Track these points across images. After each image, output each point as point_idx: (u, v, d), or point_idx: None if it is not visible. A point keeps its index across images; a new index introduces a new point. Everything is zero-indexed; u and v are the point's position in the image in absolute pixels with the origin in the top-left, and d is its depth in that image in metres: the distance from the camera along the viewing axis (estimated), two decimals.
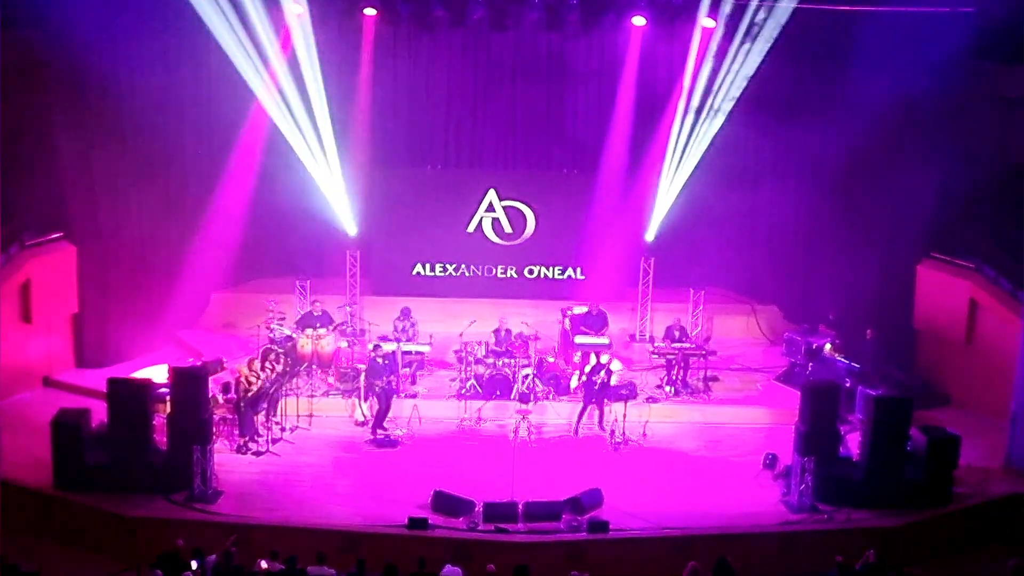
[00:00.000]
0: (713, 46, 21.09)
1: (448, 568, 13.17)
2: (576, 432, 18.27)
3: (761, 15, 20.17)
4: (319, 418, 18.45)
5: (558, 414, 18.73)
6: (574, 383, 18.89)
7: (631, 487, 16.42)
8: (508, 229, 22.57)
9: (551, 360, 20.07)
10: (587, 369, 18.36)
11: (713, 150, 21.77)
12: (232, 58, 19.89)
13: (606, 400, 18.28)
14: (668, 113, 22.08)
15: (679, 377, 19.70)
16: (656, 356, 20.04)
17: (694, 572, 12.83)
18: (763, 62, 20.73)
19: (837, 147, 20.85)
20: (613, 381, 18.36)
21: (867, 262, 20.78)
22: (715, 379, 20.05)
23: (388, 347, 18.95)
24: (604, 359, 18.34)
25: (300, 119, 20.99)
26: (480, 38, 22.18)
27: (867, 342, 19.65)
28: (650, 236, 22.30)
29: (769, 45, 20.34)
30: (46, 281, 19.08)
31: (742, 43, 20.75)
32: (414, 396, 19.01)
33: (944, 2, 18.81)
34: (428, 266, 22.73)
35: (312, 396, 18.73)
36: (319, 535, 14.65)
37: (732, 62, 21.40)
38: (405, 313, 20.20)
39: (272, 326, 19.80)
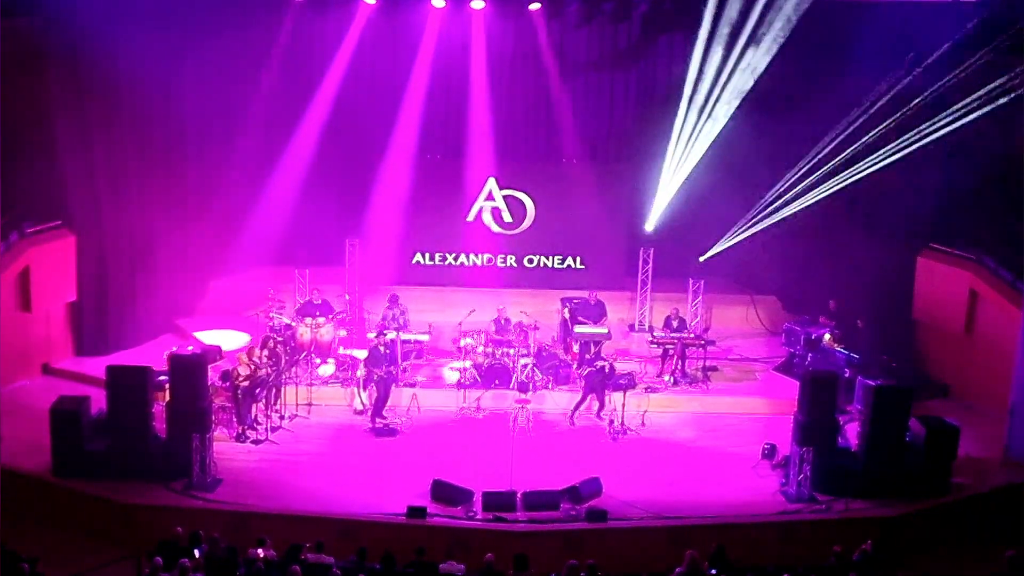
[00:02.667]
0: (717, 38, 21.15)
1: (450, 563, 13.15)
2: (572, 422, 18.29)
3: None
4: (318, 407, 18.47)
5: (557, 403, 18.76)
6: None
7: (629, 476, 16.43)
8: (508, 218, 22.58)
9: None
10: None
11: (714, 142, 21.76)
12: (232, 46, 19.90)
13: (606, 390, 18.30)
14: (669, 104, 22.09)
15: (678, 367, 19.73)
16: (655, 346, 20.04)
17: (692, 561, 12.83)
18: (764, 56, 20.71)
19: (837, 137, 20.83)
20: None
21: (867, 253, 20.77)
22: (714, 369, 20.06)
23: (390, 335, 18.96)
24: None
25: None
26: (480, 26, 22.11)
27: (858, 331, 19.67)
28: (649, 226, 22.29)
29: (772, 40, 20.34)
30: (45, 269, 19.07)
31: (744, 36, 20.76)
32: (413, 385, 19.02)
33: None
34: (427, 255, 22.74)
35: (311, 384, 18.72)
36: (318, 523, 14.68)
37: (735, 55, 21.41)
38: (393, 300, 20.15)
39: (271, 314, 19.82)
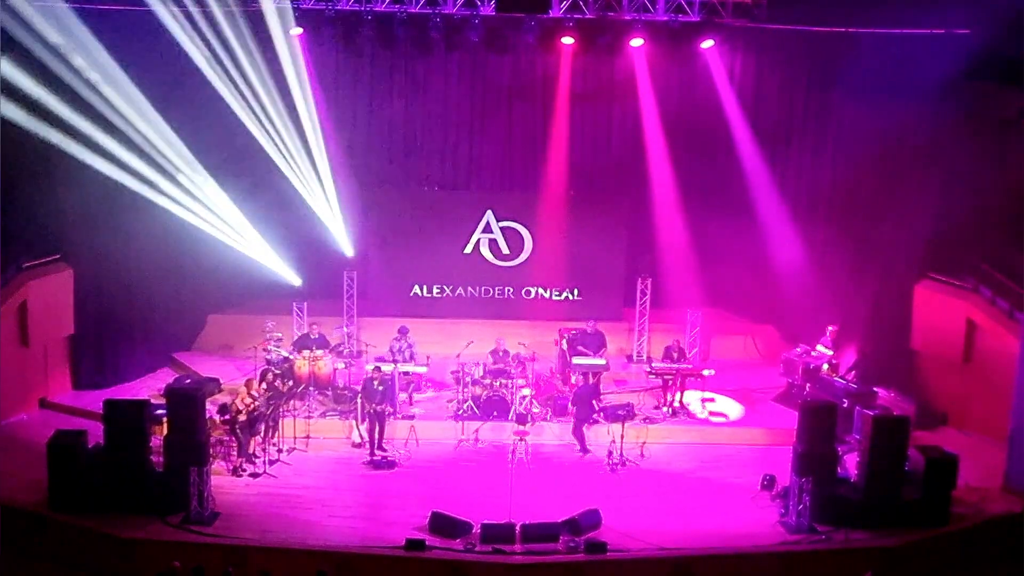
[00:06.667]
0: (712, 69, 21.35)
1: None
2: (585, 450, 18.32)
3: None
4: (316, 439, 18.42)
5: (555, 435, 18.72)
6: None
7: (629, 508, 16.37)
8: (505, 250, 22.62)
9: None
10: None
11: (711, 173, 21.88)
12: (226, 82, 19.99)
13: (602, 420, 18.30)
14: (666, 134, 22.20)
15: (676, 398, 19.71)
16: (653, 376, 20.03)
17: None
18: (761, 87, 20.86)
19: (834, 169, 20.94)
20: None
21: (865, 283, 20.84)
22: (712, 400, 20.04)
23: (386, 368, 18.92)
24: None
25: (293, 141, 21.12)
26: (477, 60, 22.26)
27: (854, 362, 19.69)
28: (646, 257, 22.33)
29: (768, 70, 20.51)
30: (43, 303, 19.07)
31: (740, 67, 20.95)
32: (411, 417, 18.99)
33: (939, 24, 18.93)
34: (425, 287, 22.76)
35: (309, 417, 18.71)
36: (317, 556, 14.56)
37: (731, 86, 21.57)
38: (403, 332, 20.17)
39: (269, 348, 19.81)
